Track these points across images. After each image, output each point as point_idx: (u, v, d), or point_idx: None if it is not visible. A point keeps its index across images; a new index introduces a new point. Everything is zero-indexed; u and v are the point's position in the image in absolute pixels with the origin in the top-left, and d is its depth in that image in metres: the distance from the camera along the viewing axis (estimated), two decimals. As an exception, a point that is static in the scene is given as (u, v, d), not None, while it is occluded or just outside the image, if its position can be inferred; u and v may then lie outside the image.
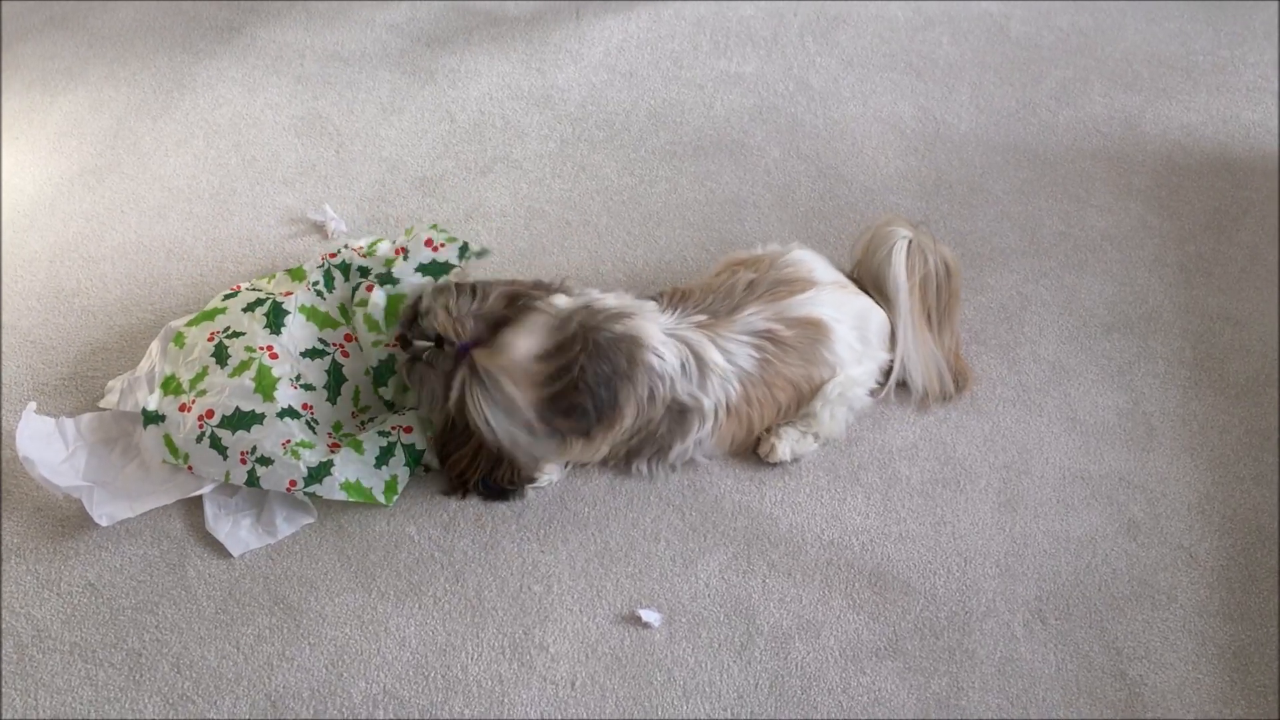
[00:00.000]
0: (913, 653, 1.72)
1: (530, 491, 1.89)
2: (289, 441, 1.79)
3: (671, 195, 2.42)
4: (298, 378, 1.86)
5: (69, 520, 1.84)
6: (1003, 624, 1.76)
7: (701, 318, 1.86)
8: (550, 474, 1.89)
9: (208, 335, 1.92)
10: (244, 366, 1.85)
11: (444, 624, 1.74)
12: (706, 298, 1.90)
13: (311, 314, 1.96)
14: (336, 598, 1.76)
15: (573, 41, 2.78)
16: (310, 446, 1.80)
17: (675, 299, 1.90)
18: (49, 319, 2.15)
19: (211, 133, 2.55)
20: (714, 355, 1.83)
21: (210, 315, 1.96)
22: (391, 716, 1.64)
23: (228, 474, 1.80)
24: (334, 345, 1.93)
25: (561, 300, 1.80)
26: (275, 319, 1.91)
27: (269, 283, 2.05)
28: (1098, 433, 2.00)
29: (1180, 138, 2.56)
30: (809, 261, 1.98)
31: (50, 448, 1.85)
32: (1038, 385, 2.07)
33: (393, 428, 1.86)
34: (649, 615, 1.74)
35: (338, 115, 2.59)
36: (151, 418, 1.87)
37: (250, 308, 1.94)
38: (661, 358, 1.79)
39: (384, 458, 1.83)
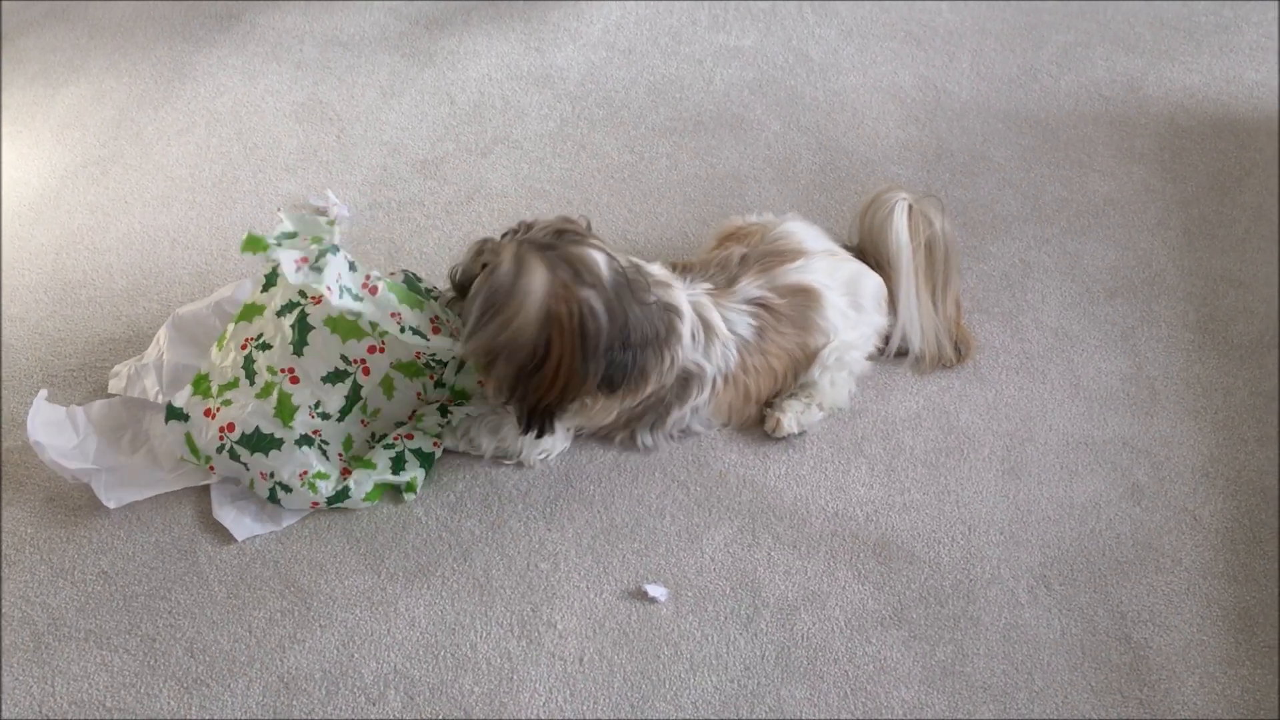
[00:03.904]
0: (918, 621, 1.73)
1: (537, 464, 1.91)
2: (306, 474, 1.80)
3: (672, 171, 2.42)
4: (316, 405, 1.83)
5: (81, 509, 1.86)
6: (1007, 591, 1.76)
7: (708, 285, 1.88)
8: (559, 443, 1.91)
9: (242, 342, 1.87)
10: (268, 390, 1.82)
11: (452, 603, 1.76)
12: (708, 269, 1.91)
13: (337, 324, 1.83)
14: (346, 580, 1.78)
15: (571, 20, 2.78)
16: (326, 478, 1.81)
17: (680, 270, 1.91)
18: (56, 311, 2.17)
19: (213, 121, 2.56)
20: (719, 323, 1.84)
21: (250, 314, 1.89)
22: (402, 695, 1.66)
23: (252, 482, 1.83)
24: (356, 362, 1.85)
25: (611, 249, 1.77)
26: (300, 336, 1.82)
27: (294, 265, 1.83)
28: (1101, 398, 2.00)
29: (1183, 100, 2.55)
30: (799, 233, 1.98)
31: (61, 435, 1.87)
32: (1041, 352, 2.07)
33: (395, 437, 1.88)
34: (655, 590, 1.76)
35: (338, 100, 2.60)
36: (176, 414, 1.85)
37: (283, 311, 1.86)
38: (686, 328, 1.80)
39: (398, 466, 1.86)
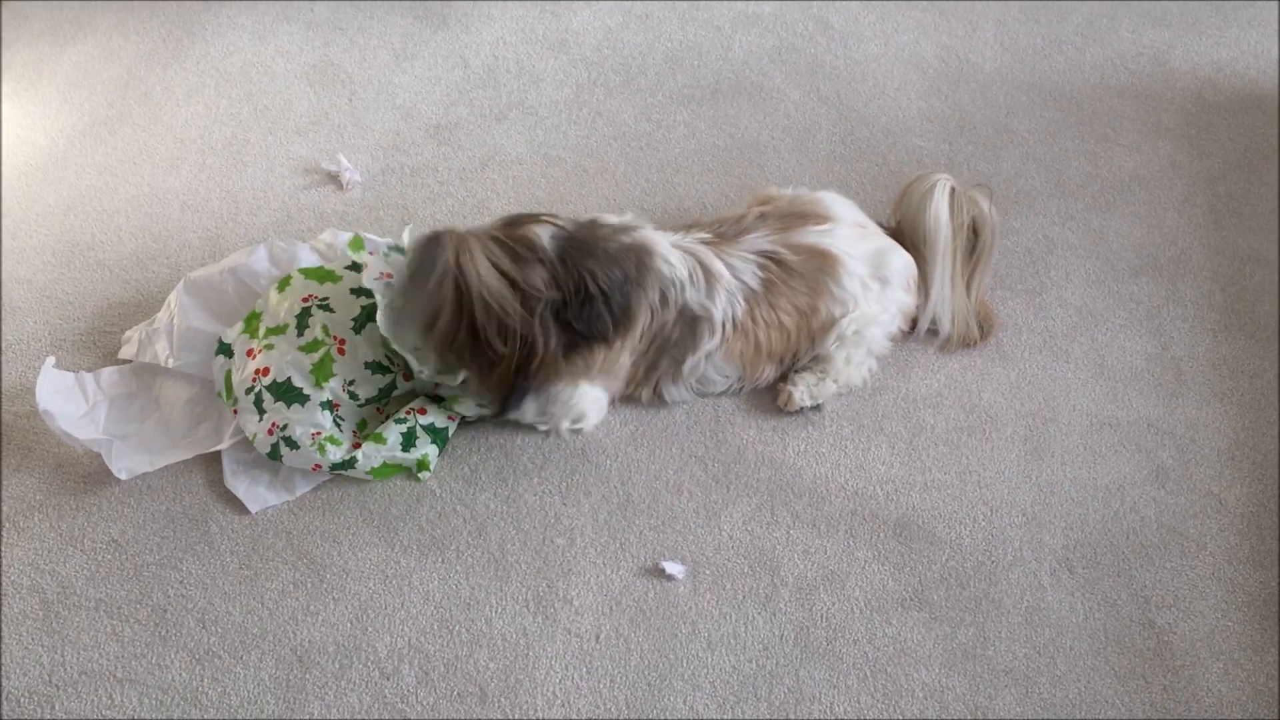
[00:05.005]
0: (939, 603, 1.71)
1: (567, 433, 1.89)
2: (318, 434, 1.79)
3: (689, 140, 2.38)
4: (351, 383, 1.85)
5: (91, 477, 1.84)
6: (1030, 573, 1.74)
7: (707, 236, 1.88)
8: (591, 416, 1.89)
9: (305, 296, 1.89)
10: (314, 346, 1.84)
11: (467, 578, 1.74)
12: (715, 225, 1.91)
13: None
14: (359, 552, 1.76)
15: (587, -17, 2.73)
16: (338, 444, 1.80)
17: (682, 227, 1.91)
18: (65, 273, 2.13)
19: (222, 82, 2.51)
20: (719, 267, 1.83)
21: (322, 277, 1.92)
22: (417, 670, 1.64)
23: (255, 436, 1.80)
24: (399, 365, 1.87)
25: (564, 220, 1.79)
26: (366, 318, 1.86)
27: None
28: (1126, 378, 1.97)
29: (1210, 74, 2.50)
30: (830, 202, 1.96)
31: (70, 402, 1.85)
32: (1064, 331, 2.04)
33: (407, 411, 1.86)
34: (673, 567, 1.74)
35: (350, 62, 2.55)
36: (224, 349, 1.89)
37: (358, 293, 1.89)
38: (670, 264, 1.80)
39: (409, 442, 1.83)
